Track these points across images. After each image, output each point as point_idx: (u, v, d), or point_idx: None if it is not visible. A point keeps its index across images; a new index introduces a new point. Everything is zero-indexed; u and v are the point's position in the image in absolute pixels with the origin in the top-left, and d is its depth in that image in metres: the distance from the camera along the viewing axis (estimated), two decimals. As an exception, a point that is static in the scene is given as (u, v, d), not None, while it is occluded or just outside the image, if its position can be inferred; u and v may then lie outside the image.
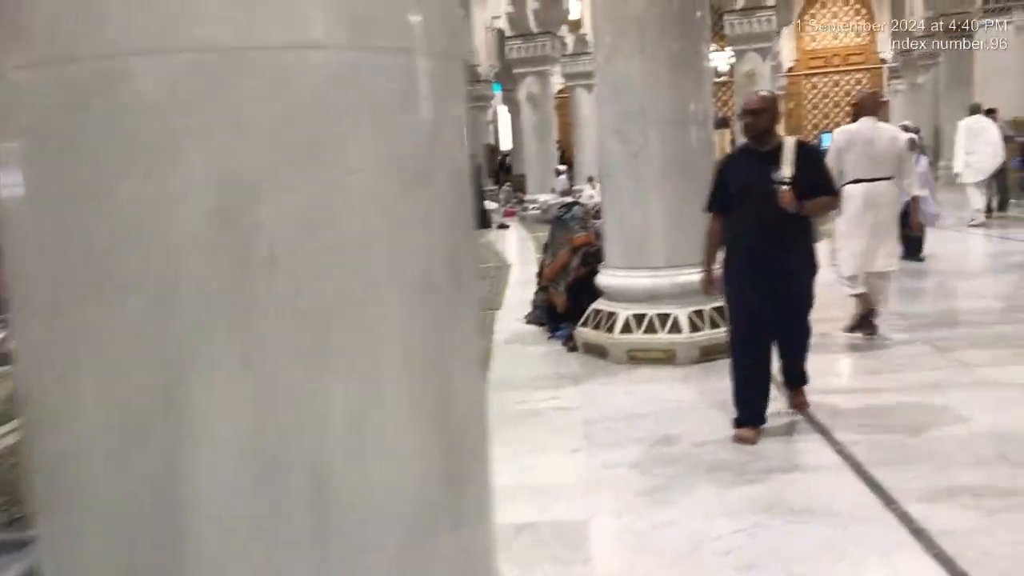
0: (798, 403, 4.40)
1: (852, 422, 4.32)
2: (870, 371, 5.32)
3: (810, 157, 4.12)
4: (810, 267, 4.15)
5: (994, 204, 12.77)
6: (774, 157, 4.00)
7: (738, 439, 4.03)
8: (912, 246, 8.87)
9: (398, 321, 1.36)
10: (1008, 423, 4.12)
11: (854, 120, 6.05)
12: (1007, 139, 12.80)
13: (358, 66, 1.29)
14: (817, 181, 4.08)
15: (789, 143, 4.06)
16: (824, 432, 4.13)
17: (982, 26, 15.23)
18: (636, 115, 5.68)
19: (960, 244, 10.22)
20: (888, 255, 5.90)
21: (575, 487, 3.69)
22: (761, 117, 4.06)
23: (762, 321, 4.07)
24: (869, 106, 6.14)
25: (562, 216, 6.68)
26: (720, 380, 4.43)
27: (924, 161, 9.10)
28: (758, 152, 4.10)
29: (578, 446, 4.16)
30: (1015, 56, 14.96)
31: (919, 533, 3.06)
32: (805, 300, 4.17)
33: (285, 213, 1.24)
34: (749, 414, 4.10)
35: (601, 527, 3.34)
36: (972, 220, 11.68)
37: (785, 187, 3.90)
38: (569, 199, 7.55)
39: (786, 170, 3.93)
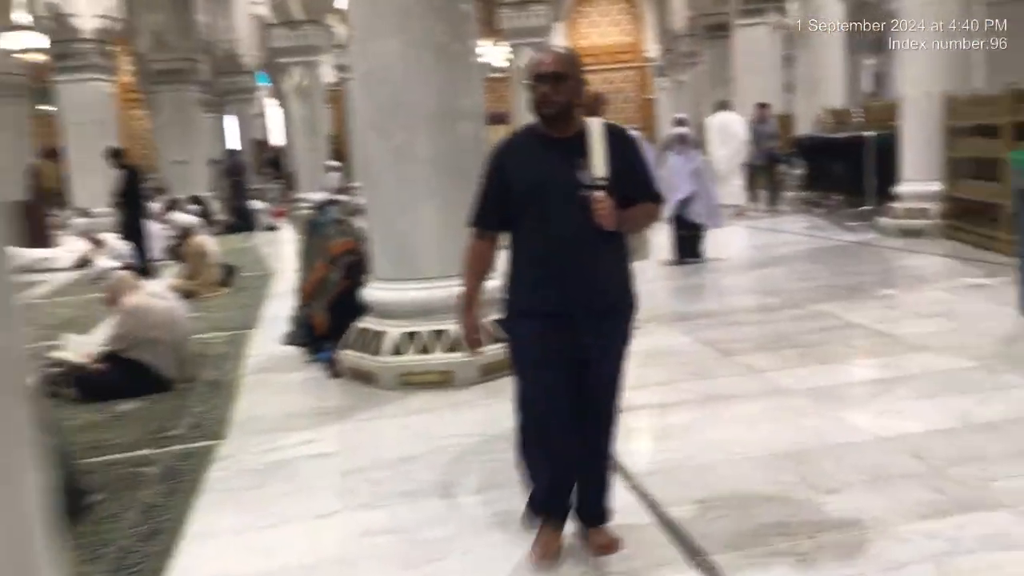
0: (604, 545, 2.91)
1: (646, 449, 3.90)
2: (658, 382, 4.95)
3: (626, 148, 2.81)
4: (630, 305, 2.87)
5: (764, 198, 13.29)
6: (577, 148, 2.72)
7: (539, 558, 2.85)
8: (687, 246, 8.75)
9: None
10: (804, 437, 3.86)
11: None
12: (772, 136, 13.34)
13: None
14: (637, 182, 2.83)
15: (595, 128, 2.76)
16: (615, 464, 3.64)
17: (739, 26, 15.84)
18: (398, 108, 4.99)
19: (730, 238, 10.36)
20: None
21: (324, 567, 2.95)
22: (562, 86, 2.69)
23: (567, 393, 2.77)
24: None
25: (316, 220, 5.80)
26: (505, 402, 3.82)
27: (699, 157, 9.01)
28: (553, 140, 2.76)
29: (333, 508, 3.41)
30: (769, 55, 15.70)
31: (731, 595, 2.62)
32: (618, 362, 2.86)
33: None
34: (556, 506, 2.90)
35: (356, 626, 2.64)
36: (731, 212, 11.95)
37: (600, 192, 2.67)
38: (324, 196, 6.67)
39: (599, 167, 2.70)
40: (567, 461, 2.84)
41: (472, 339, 2.95)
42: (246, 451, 4.11)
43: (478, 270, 2.90)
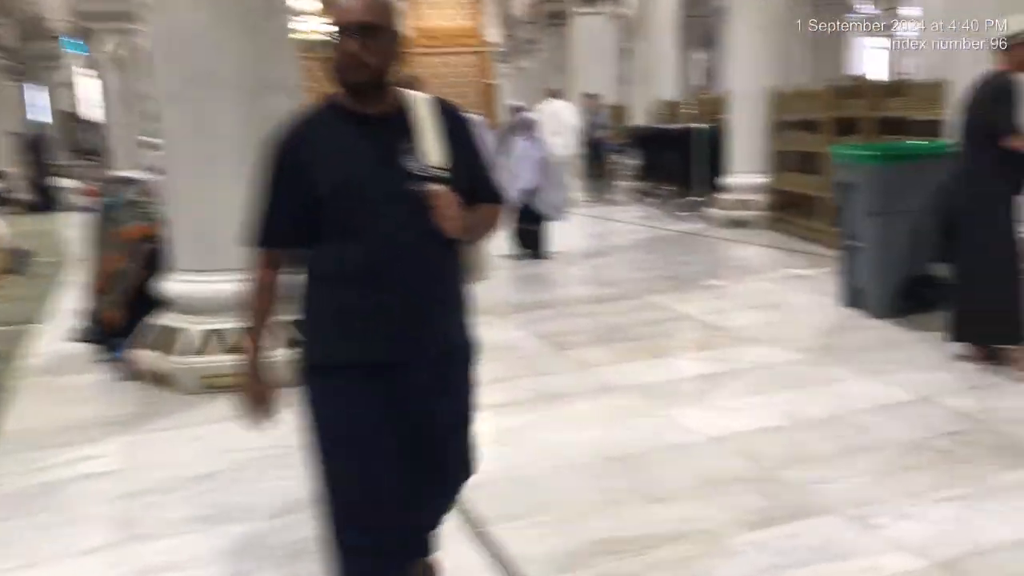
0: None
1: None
2: (492, 379, 4.60)
3: (463, 131, 2.08)
4: (474, 343, 2.17)
5: (596, 187, 13.34)
6: (399, 127, 1.98)
7: None
8: (529, 240, 8.42)
9: None
10: (635, 438, 3.71)
11: None
12: (602, 126, 13.38)
13: None
14: (477, 176, 2.11)
15: (422, 102, 2.04)
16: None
17: (577, 14, 15.91)
18: (203, 78, 4.45)
19: (565, 228, 10.27)
20: None
21: (85, 622, 2.50)
22: (375, 42, 1.92)
23: (400, 472, 2.05)
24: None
25: (108, 202, 5.14)
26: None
27: (545, 146, 8.68)
28: (364, 118, 1.98)
29: (106, 540, 2.92)
30: (606, 44, 15.86)
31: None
32: (468, 414, 2.21)
33: None
34: None
35: None
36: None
37: (441, 186, 1.94)
38: (120, 175, 5.99)
39: (432, 152, 1.97)
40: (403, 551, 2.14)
41: (257, 404, 2.15)
42: (7, 472, 3.52)
43: (265, 307, 2.08)
